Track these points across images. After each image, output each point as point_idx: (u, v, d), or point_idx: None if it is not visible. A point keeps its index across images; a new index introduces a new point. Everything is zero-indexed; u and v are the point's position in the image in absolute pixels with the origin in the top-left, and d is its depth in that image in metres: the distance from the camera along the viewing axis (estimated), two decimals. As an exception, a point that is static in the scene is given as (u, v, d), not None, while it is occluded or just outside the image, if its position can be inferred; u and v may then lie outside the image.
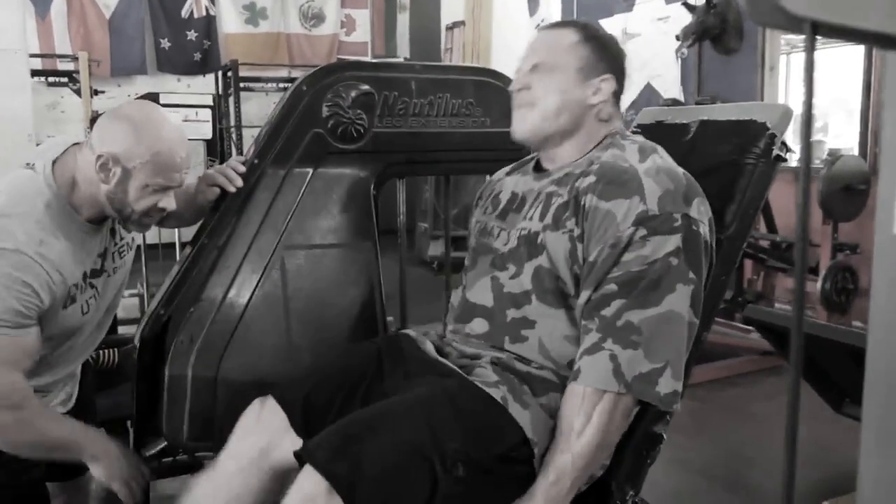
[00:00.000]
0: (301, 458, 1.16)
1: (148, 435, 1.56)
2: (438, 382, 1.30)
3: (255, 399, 1.35)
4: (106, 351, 2.00)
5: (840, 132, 5.51)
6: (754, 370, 3.80)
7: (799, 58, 4.94)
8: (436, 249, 6.02)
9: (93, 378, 1.81)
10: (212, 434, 1.45)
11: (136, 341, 1.53)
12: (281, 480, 1.26)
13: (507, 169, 1.55)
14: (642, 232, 1.21)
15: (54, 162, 1.44)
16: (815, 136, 5.34)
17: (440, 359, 1.37)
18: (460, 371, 1.32)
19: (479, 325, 1.37)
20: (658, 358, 1.19)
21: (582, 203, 1.26)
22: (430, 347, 1.41)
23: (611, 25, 5.28)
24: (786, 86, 5.03)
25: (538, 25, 6.91)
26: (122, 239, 1.60)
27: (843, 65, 4.92)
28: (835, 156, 3.64)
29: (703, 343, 1.39)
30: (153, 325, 1.52)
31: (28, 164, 1.47)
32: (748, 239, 1.50)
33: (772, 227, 3.96)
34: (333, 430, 1.20)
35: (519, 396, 1.25)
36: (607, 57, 1.37)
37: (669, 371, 1.20)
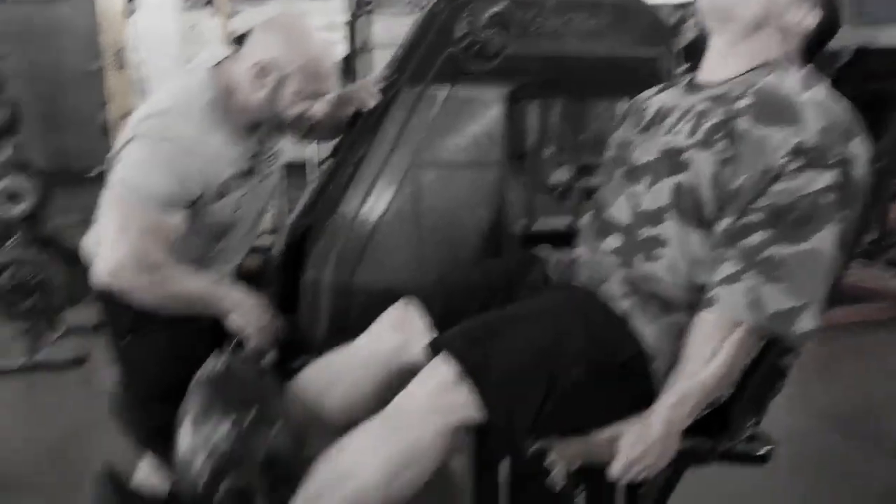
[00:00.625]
0: (435, 346, 1.25)
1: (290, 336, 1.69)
2: (565, 294, 1.34)
3: (399, 300, 1.44)
4: (249, 256, 2.15)
5: None
6: (893, 317, 3.60)
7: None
8: (560, 176, 5.95)
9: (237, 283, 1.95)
10: (345, 336, 1.55)
11: (279, 249, 1.65)
12: (403, 381, 1.34)
13: (656, 88, 1.51)
14: (796, 163, 1.16)
15: (212, 69, 1.54)
16: None
17: (568, 278, 1.40)
18: (587, 288, 1.35)
19: (612, 242, 1.38)
20: (799, 295, 1.17)
21: (735, 126, 1.22)
22: (558, 267, 1.44)
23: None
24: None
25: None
26: (270, 148, 1.71)
27: None
28: None
29: (840, 284, 1.34)
30: (294, 234, 1.63)
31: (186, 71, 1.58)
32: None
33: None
34: (466, 327, 1.28)
35: (643, 313, 1.27)
36: (827, 4, 1.32)
37: (809, 310, 1.17)
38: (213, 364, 1.38)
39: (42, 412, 2.91)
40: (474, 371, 1.18)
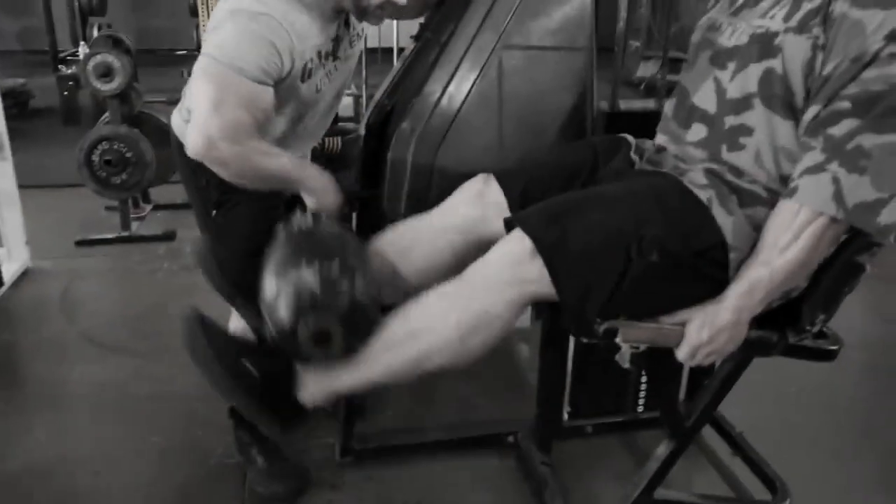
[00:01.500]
0: (512, 223, 1.28)
1: (370, 211, 1.75)
2: (648, 179, 1.34)
3: (480, 174, 1.46)
4: (330, 139, 2.20)
5: None
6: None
7: None
8: (646, 70, 5.74)
9: (319, 162, 2.01)
10: (425, 214, 1.59)
11: (363, 128, 1.69)
12: (480, 251, 1.39)
13: None
14: (893, 48, 1.11)
15: None
16: None
17: (653, 164, 1.40)
18: (671, 175, 1.34)
19: (697, 131, 1.37)
20: (885, 187, 1.14)
21: (831, 10, 1.17)
22: (643, 153, 1.44)
23: None
24: None
25: None
26: (353, 30, 1.72)
27: None
28: None
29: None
30: (378, 114, 1.66)
31: None
32: None
33: None
34: (545, 205, 1.30)
35: (725, 202, 1.26)
36: None
37: (894, 203, 1.14)
38: (299, 220, 1.45)
39: (134, 282, 3.11)
40: (549, 248, 1.21)
